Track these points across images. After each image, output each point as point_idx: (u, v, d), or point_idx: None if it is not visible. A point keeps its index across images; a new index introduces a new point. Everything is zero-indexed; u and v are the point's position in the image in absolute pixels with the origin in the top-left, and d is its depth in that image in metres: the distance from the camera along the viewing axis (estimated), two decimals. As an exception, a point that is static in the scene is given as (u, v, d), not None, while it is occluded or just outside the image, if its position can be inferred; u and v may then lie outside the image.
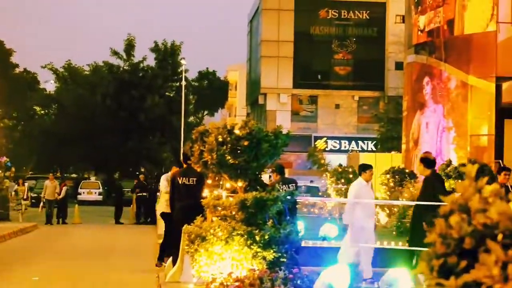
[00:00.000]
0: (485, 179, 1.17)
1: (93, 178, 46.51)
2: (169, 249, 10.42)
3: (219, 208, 8.22)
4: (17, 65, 51.29)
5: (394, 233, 14.85)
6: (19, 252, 14.15)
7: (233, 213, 7.76)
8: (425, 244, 1.27)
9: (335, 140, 42.17)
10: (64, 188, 23.13)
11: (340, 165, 25.16)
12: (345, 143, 42.16)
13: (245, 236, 7.39)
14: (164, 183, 11.58)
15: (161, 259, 10.81)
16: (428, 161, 8.23)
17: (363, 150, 39.31)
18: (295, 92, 42.95)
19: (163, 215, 11.43)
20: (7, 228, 17.87)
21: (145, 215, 22.47)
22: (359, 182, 9.76)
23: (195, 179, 9.62)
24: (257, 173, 9.14)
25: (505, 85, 18.24)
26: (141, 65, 47.96)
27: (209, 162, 8.29)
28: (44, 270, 11.22)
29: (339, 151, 40.38)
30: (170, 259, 9.89)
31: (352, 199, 9.66)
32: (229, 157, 8.04)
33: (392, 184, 18.61)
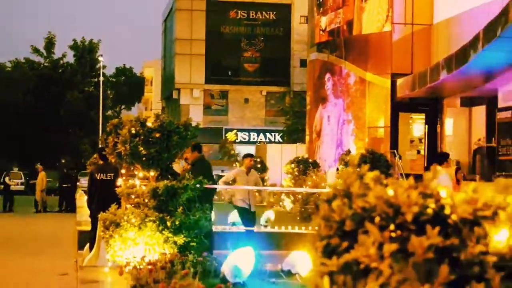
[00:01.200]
0: (367, 166, 1.18)
1: (16, 169, 43.79)
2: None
3: (133, 196, 8.30)
4: None
5: (298, 218, 15.00)
6: None
7: (146, 200, 7.90)
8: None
9: (244, 132, 42.46)
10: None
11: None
12: (254, 135, 42.56)
13: (157, 222, 7.50)
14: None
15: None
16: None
17: (270, 142, 39.62)
18: (207, 87, 42.86)
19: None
20: None
21: (67, 204, 21.99)
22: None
23: (112, 174, 9.51)
24: (168, 163, 9.31)
25: (399, 81, 18.69)
26: (61, 61, 47.91)
27: (122, 153, 8.58)
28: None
29: (248, 142, 40.77)
30: (87, 245, 9.91)
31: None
32: (142, 148, 8.35)
33: (296, 173, 18.86)
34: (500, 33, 12.65)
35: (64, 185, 22.71)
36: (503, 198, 0.98)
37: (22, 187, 36.23)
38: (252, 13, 43.41)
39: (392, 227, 1.04)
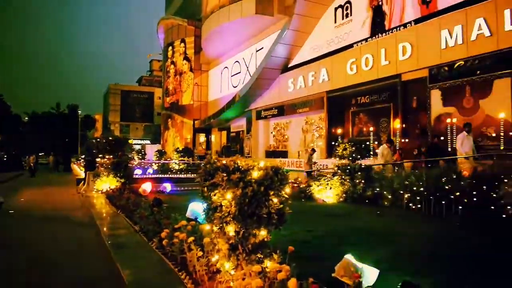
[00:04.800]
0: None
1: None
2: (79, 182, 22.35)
3: (104, 165, 21.15)
4: None
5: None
6: None
7: (109, 166, 20.83)
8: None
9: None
10: None
11: None
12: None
13: (113, 174, 15.00)
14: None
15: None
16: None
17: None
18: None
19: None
20: None
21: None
22: None
23: (94, 157, 30.12)
24: (117, 154, 22.26)
25: (196, 122, 43.92)
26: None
27: (100, 150, 29.03)
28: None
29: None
30: (81, 183, 17.36)
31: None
32: (108, 148, 28.95)
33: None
34: (231, 106, 38.00)
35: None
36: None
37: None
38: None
39: (225, 176, 3.79)
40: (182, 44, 42.75)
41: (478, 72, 15.07)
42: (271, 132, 31.19)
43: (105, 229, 7.69)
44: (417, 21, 17.99)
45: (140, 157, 32.94)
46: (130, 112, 72.18)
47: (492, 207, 8.68)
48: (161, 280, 4.45)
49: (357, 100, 21.75)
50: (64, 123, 67.79)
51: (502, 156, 12.34)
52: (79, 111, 68.13)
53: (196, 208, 7.54)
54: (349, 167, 12.63)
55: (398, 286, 3.14)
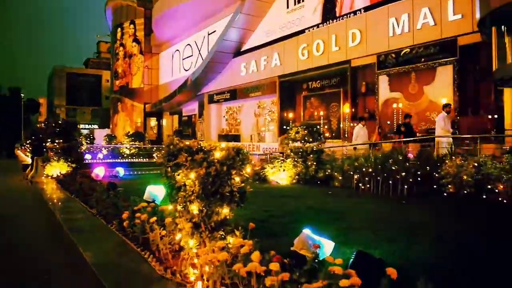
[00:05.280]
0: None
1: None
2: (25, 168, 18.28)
3: (54, 150, 19.66)
4: None
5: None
6: None
7: (59, 151, 19.01)
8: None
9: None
10: None
11: None
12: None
13: (64, 159, 14.87)
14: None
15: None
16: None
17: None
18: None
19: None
20: None
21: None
22: None
23: (41, 142, 28.51)
24: (68, 139, 27.49)
25: (147, 105, 43.17)
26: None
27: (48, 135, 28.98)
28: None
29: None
30: (28, 169, 16.44)
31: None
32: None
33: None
34: (183, 90, 37.84)
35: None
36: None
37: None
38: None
39: (188, 157, 4.23)
40: (132, 26, 41.64)
41: (423, 59, 15.82)
42: (224, 116, 31.27)
43: (60, 214, 7.58)
44: (366, 8, 18.54)
45: (89, 142, 32.12)
46: (77, 96, 69.60)
47: (435, 186, 9.31)
48: (126, 260, 4.53)
49: (308, 84, 22.22)
50: (5, 107, 64.54)
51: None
52: (22, 94, 65.01)
53: (154, 190, 7.59)
54: (301, 150, 13.00)
55: (353, 256, 3.42)
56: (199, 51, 33.60)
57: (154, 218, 4.60)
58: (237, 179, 4.34)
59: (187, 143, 4.37)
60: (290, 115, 23.35)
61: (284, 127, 23.22)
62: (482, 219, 6.86)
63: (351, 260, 3.32)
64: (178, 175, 4.28)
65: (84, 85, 71.03)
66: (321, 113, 20.70)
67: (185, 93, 32.78)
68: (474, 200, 8.54)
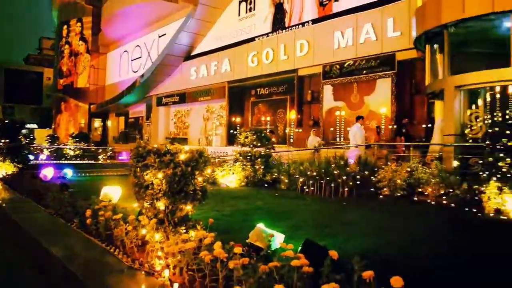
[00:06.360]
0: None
1: None
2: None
3: None
4: None
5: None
6: None
7: (5, 151, 26.72)
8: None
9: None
10: None
11: None
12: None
13: (10, 159, 14.51)
14: None
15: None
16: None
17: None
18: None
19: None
20: None
21: None
22: None
23: None
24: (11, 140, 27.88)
25: (92, 106, 42.20)
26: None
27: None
28: None
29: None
30: None
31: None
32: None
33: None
34: (131, 91, 37.41)
35: None
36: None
37: None
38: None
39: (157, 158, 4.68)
40: (79, 24, 40.70)
41: (364, 71, 16.95)
42: (172, 119, 31.37)
43: (17, 213, 7.66)
44: (314, 21, 19.53)
45: (28, 142, 31.04)
46: (15, 93, 66.41)
47: (372, 189, 10.21)
48: (93, 253, 4.86)
49: (257, 91, 22.93)
50: None
51: (381, 146, 14.21)
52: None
53: (110, 191, 7.88)
54: (250, 154, 13.59)
55: (301, 244, 4.00)
56: (149, 53, 33.51)
57: (120, 215, 4.98)
58: (200, 179, 4.82)
59: (155, 145, 4.80)
60: (238, 120, 23.95)
61: (232, 131, 23.80)
62: (411, 217, 7.74)
63: (300, 247, 3.90)
64: (147, 174, 4.70)
65: (23, 82, 68.01)
66: (268, 118, 21.48)
67: (133, 94, 32.55)
68: (406, 201, 9.49)
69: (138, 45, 35.38)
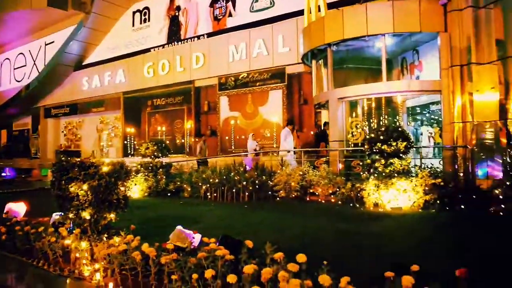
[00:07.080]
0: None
1: None
2: None
3: None
4: None
5: None
6: None
7: None
8: None
9: None
10: None
11: None
12: None
13: None
14: None
15: None
16: None
17: None
18: None
19: None
20: None
21: None
22: None
23: None
24: None
25: None
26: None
27: None
28: None
29: None
30: None
31: None
32: None
33: None
34: (15, 102, 34.86)
35: None
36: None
37: None
38: None
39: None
40: (-50, 28, 36.87)
41: (258, 83, 18.07)
42: (62, 131, 29.96)
43: None
44: (209, 34, 20.28)
45: None
46: None
47: (270, 192, 11.14)
48: (15, 266, 4.92)
49: (153, 101, 23.02)
50: None
51: (274, 152, 15.35)
52: None
53: (14, 207, 7.76)
54: (151, 165, 13.82)
55: (219, 239, 4.59)
56: (34, 61, 31.60)
57: (42, 228, 5.12)
58: (122, 188, 5.18)
59: (78, 159, 5.05)
60: (134, 130, 23.78)
61: (127, 142, 23.58)
62: (305, 215, 8.74)
63: (218, 242, 4.49)
64: (71, 187, 4.93)
65: None
66: (164, 128, 21.73)
67: (17, 105, 30.46)
68: (300, 201, 10.56)
69: (22, 53, 33.15)
